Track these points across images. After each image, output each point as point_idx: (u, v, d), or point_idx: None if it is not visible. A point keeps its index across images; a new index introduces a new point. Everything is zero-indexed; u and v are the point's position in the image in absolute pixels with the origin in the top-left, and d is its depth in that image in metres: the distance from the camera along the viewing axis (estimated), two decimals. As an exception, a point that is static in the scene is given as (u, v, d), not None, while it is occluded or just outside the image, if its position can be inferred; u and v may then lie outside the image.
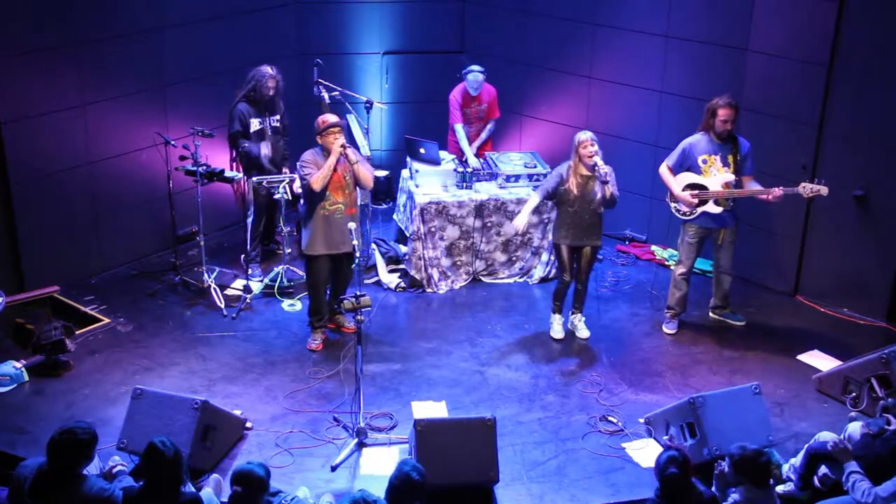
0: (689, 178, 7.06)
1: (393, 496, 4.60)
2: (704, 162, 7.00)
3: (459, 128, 8.33)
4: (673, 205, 7.18)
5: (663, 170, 7.16)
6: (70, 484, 4.55)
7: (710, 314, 7.49)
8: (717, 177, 6.98)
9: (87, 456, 4.62)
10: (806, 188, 6.77)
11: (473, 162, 8.21)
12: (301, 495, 5.21)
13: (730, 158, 6.96)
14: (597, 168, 6.73)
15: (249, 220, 7.87)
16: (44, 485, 4.53)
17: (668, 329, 7.37)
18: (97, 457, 4.95)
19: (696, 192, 7.00)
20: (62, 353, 6.64)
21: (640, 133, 8.52)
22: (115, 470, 5.21)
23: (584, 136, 6.82)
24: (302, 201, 7.03)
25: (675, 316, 7.38)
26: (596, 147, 6.78)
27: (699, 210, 7.04)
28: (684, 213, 7.12)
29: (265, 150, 7.69)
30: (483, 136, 8.55)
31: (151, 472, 4.55)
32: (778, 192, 6.82)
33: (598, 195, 6.80)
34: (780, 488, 5.38)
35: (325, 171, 6.63)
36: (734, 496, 4.80)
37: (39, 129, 7.30)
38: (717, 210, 7.02)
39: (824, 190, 6.74)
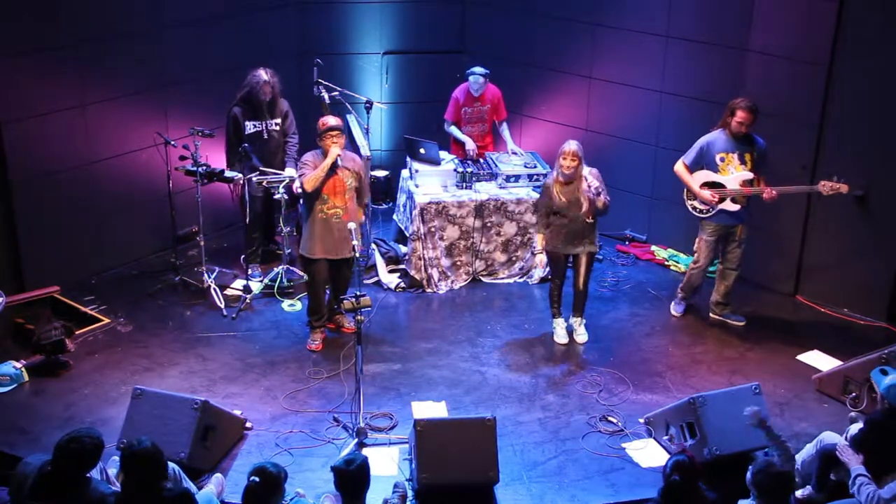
0: (705, 175, 7.09)
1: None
2: (722, 160, 7.03)
3: (449, 124, 8.35)
4: (690, 203, 7.20)
5: (680, 168, 7.18)
6: (72, 486, 4.54)
7: (711, 314, 7.49)
8: (734, 175, 7.01)
9: (93, 464, 4.61)
10: (826, 186, 6.83)
11: (471, 145, 8.24)
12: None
13: (747, 157, 6.99)
14: (586, 182, 6.69)
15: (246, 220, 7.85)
16: (46, 486, 4.53)
17: (675, 311, 7.52)
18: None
19: (715, 189, 7.03)
20: (62, 354, 6.64)
21: (640, 133, 8.51)
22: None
23: (568, 147, 6.74)
24: (301, 202, 7.03)
25: (685, 299, 7.52)
26: (575, 163, 6.68)
27: (718, 207, 7.06)
28: (702, 211, 7.15)
29: (260, 153, 7.64)
30: (506, 135, 8.52)
31: (129, 471, 4.55)
32: (769, 195, 6.88)
33: (585, 205, 6.76)
34: (798, 493, 5.34)
35: (319, 172, 6.62)
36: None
37: (39, 129, 7.30)
38: (735, 207, 7.06)
39: (844, 188, 6.80)
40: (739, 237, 7.19)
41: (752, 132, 7.02)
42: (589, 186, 6.70)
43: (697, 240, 7.33)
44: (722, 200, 7.04)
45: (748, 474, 4.72)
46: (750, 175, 6.99)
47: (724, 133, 7.02)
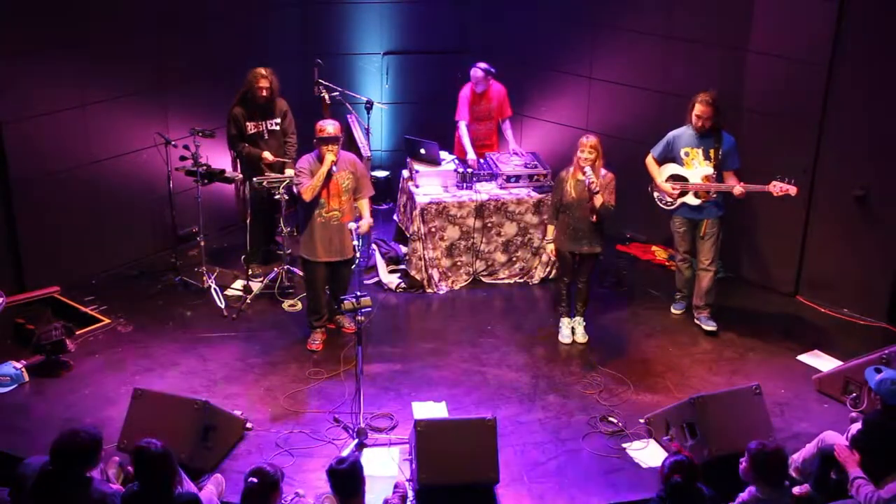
0: (672, 169, 7.15)
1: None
2: (686, 154, 7.09)
3: (462, 125, 8.33)
4: (655, 195, 7.28)
5: (649, 160, 7.25)
6: (73, 486, 4.54)
7: (694, 316, 7.45)
8: (697, 169, 7.05)
9: (92, 460, 4.61)
10: (776, 187, 6.81)
11: (472, 156, 8.22)
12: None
13: (711, 153, 7.01)
14: (586, 175, 6.72)
15: (248, 220, 7.86)
16: (46, 486, 4.53)
17: (675, 309, 7.56)
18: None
19: (677, 183, 7.06)
20: (62, 354, 6.64)
21: (640, 133, 8.49)
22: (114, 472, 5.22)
23: (585, 140, 6.80)
24: (300, 204, 7.02)
25: (683, 298, 7.55)
26: (593, 155, 6.74)
27: (679, 201, 7.10)
28: (666, 203, 7.21)
29: (262, 153, 7.66)
30: (508, 135, 8.51)
31: (141, 474, 4.56)
32: (740, 189, 6.87)
33: (590, 199, 6.79)
34: (795, 490, 5.35)
35: (316, 181, 6.61)
36: (742, 495, 4.78)
37: (39, 129, 7.30)
38: (696, 202, 7.10)
39: (793, 190, 6.78)
40: (704, 232, 7.17)
41: (725, 129, 7.03)
42: (589, 182, 6.69)
43: (672, 231, 7.40)
44: (683, 194, 7.07)
45: (744, 462, 4.75)
46: (711, 171, 7.00)
47: (691, 128, 7.06)
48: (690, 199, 7.10)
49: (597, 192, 6.70)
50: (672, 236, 7.50)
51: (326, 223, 6.76)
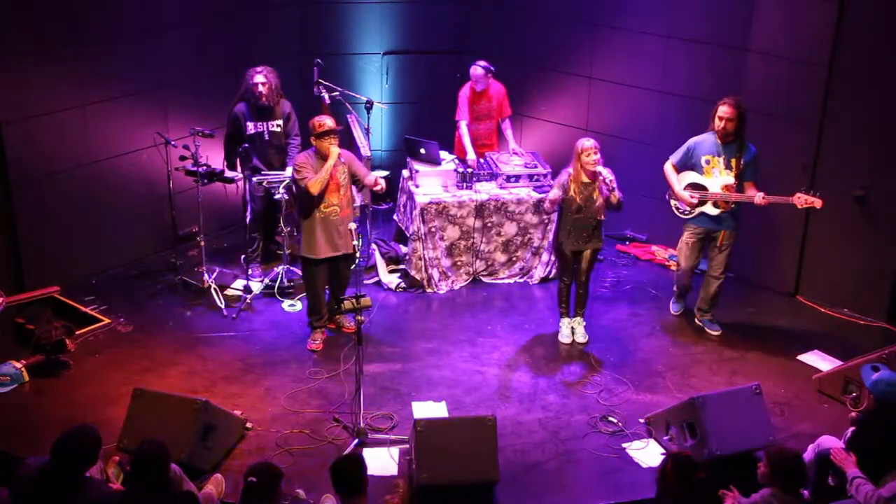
0: (691, 177, 7.07)
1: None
2: (707, 162, 6.99)
3: (463, 125, 8.32)
4: (673, 202, 7.20)
5: (667, 167, 7.16)
6: (73, 486, 4.54)
7: (696, 318, 7.47)
8: (717, 178, 6.97)
9: (91, 459, 4.62)
10: (801, 199, 6.74)
11: (471, 156, 8.21)
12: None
13: (733, 162, 6.92)
14: (601, 177, 6.71)
15: (248, 220, 7.85)
16: (46, 485, 4.53)
17: (673, 310, 7.58)
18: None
19: (695, 191, 7.01)
20: (62, 353, 6.64)
21: (640, 133, 8.52)
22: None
23: (588, 143, 6.79)
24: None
25: (681, 297, 7.54)
26: (598, 156, 6.75)
27: (697, 210, 7.06)
28: (683, 212, 7.14)
29: (260, 154, 7.65)
30: (508, 134, 8.49)
31: (136, 471, 4.56)
32: (761, 199, 6.79)
33: (599, 201, 6.79)
34: None
35: (323, 174, 6.62)
36: (755, 497, 4.76)
37: (39, 129, 7.30)
38: (715, 212, 7.02)
39: (818, 203, 6.70)
40: (721, 243, 7.11)
41: (748, 139, 6.94)
42: (605, 181, 6.70)
43: (680, 240, 7.33)
44: (702, 203, 7.02)
45: (762, 467, 4.72)
46: (731, 180, 6.92)
47: (714, 136, 6.96)
48: (709, 209, 7.01)
49: (613, 190, 6.71)
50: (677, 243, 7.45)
51: (326, 218, 6.77)
